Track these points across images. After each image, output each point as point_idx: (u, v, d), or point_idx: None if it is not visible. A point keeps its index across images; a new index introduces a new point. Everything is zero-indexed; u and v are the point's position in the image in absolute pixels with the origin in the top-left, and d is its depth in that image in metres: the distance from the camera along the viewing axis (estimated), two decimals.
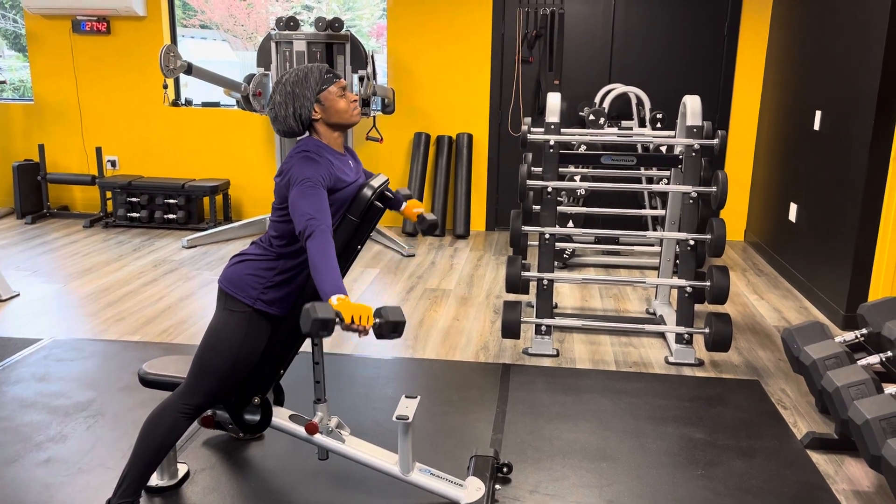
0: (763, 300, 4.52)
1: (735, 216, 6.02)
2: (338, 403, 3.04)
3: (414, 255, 5.40)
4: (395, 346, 3.67)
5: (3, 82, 6.49)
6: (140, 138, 6.43)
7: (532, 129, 3.88)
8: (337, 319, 1.78)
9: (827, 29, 4.51)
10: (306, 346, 3.07)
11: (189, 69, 4.92)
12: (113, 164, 6.48)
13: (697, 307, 4.28)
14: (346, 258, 2.16)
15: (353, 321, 1.78)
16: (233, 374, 2.10)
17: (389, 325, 1.84)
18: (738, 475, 2.58)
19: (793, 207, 4.87)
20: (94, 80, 6.35)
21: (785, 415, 3.03)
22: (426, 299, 4.42)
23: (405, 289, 4.61)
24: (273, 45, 5.43)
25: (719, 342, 3.35)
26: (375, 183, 2.15)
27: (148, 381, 2.36)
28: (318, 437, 2.30)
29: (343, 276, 2.18)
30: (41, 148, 6.25)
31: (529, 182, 3.66)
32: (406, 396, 2.30)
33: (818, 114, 4.52)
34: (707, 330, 3.40)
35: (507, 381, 3.29)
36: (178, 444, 2.65)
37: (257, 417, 2.28)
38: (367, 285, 4.67)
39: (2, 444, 2.68)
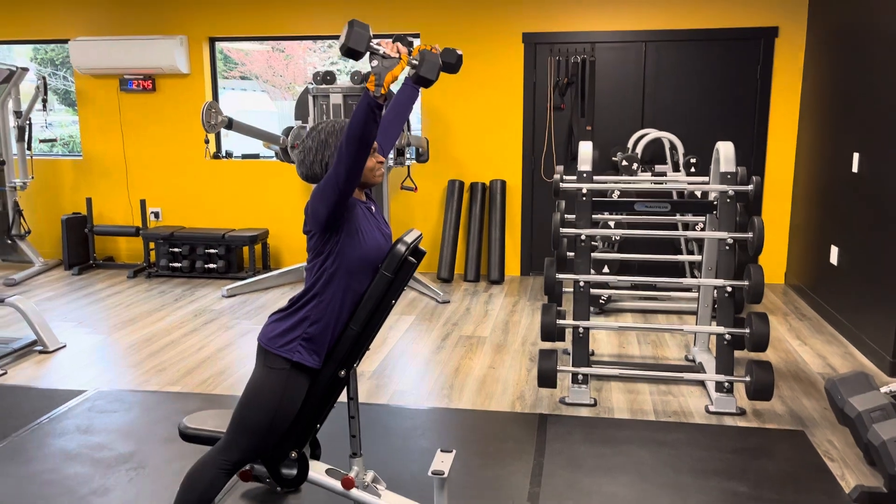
0: (806, 346, 4.42)
1: (775, 259, 5.94)
2: (373, 455, 3.04)
3: (449, 302, 5.42)
4: (430, 396, 3.67)
5: (55, 140, 6.76)
6: (182, 190, 6.63)
7: (564, 178, 3.91)
8: (373, 43, 1.92)
9: (862, 70, 4.48)
10: (342, 398, 3.09)
11: (230, 124, 5.08)
12: (156, 215, 6.68)
13: (738, 353, 4.21)
14: (381, 313, 2.18)
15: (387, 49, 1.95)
16: (271, 431, 2.12)
17: (428, 63, 2.02)
18: None
19: (833, 250, 4.78)
20: (140, 135, 6.59)
21: (832, 467, 2.94)
22: (461, 346, 4.42)
23: (440, 336, 4.62)
24: (310, 98, 5.59)
25: (761, 390, 3.28)
26: (409, 238, 2.19)
27: (188, 436, 2.40)
28: (354, 491, 2.31)
29: (378, 328, 2.21)
30: (89, 201, 6.48)
31: (563, 230, 3.67)
32: (441, 450, 2.30)
33: (856, 156, 4.47)
34: (748, 378, 3.34)
35: (545, 432, 3.26)
36: (217, 497, 2.67)
37: (294, 471, 2.29)
38: (402, 332, 4.69)
39: (48, 496, 2.73)
